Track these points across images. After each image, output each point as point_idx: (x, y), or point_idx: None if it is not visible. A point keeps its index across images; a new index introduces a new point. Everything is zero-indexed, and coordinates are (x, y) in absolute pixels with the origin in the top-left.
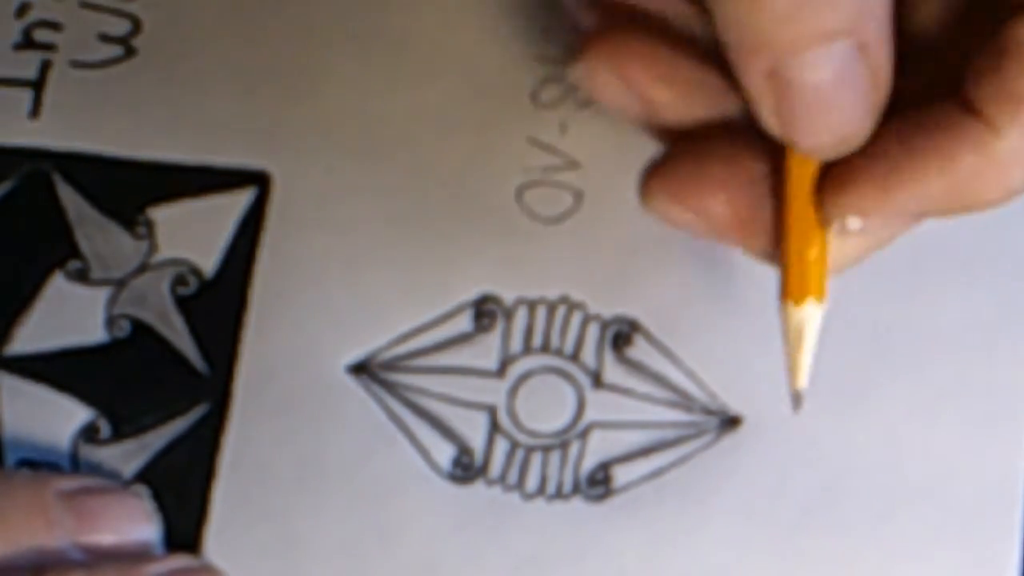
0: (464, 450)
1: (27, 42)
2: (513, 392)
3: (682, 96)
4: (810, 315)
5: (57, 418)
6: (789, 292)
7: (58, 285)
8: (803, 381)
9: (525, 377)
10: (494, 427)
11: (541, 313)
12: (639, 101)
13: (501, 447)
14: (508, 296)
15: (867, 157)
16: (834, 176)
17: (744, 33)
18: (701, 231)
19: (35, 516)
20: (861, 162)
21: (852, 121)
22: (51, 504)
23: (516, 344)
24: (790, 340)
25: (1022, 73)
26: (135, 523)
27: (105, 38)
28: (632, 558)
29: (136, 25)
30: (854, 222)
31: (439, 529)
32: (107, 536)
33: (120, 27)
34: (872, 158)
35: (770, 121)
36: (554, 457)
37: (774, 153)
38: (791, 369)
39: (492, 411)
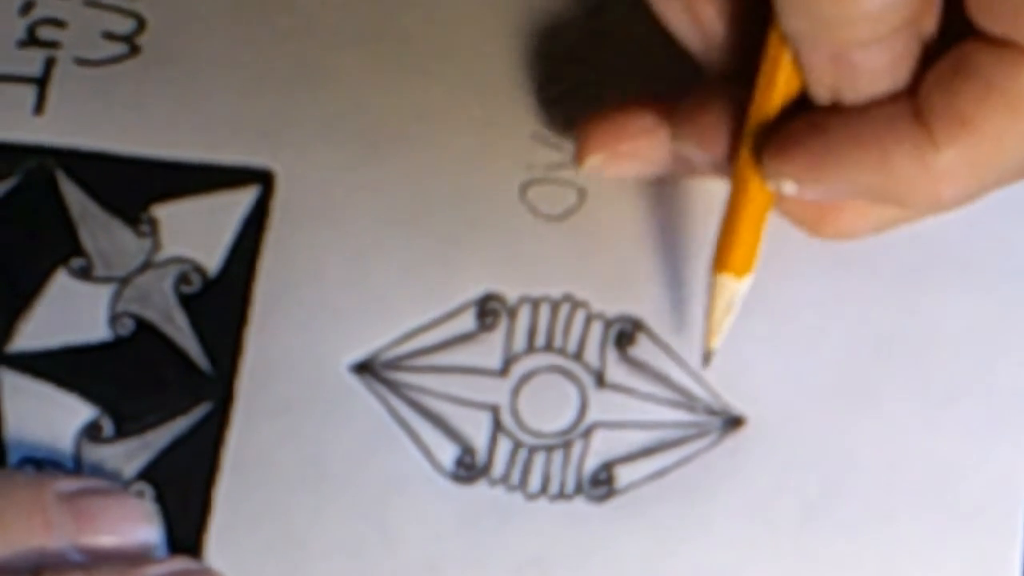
0: (467, 450)
1: (31, 39)
2: (516, 391)
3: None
4: (742, 288)
5: (60, 416)
6: (727, 265)
7: (61, 282)
8: (718, 343)
9: (528, 376)
10: (497, 427)
11: (544, 312)
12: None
13: (504, 447)
14: (511, 295)
15: (814, 130)
16: (781, 138)
17: (815, 26)
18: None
19: (34, 517)
20: (807, 133)
21: (898, 81)
22: (51, 505)
23: (519, 343)
24: (717, 307)
25: (972, 96)
26: (135, 525)
27: (109, 36)
28: (635, 558)
29: (140, 23)
30: (789, 187)
31: (441, 529)
32: (107, 537)
33: (124, 25)
34: (817, 133)
35: (821, 93)
36: (557, 457)
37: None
38: (711, 331)
39: (495, 410)
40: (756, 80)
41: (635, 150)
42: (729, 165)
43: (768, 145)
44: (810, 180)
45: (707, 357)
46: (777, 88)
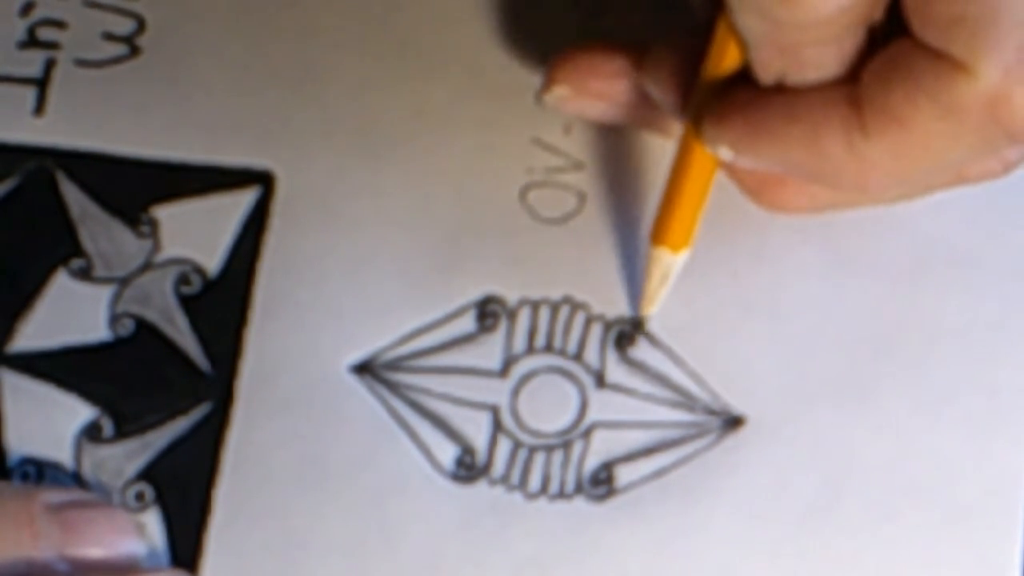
0: (467, 450)
1: (31, 40)
2: (516, 392)
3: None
4: (679, 262)
5: (60, 416)
6: (664, 239)
7: (61, 283)
8: (653, 310)
9: (528, 377)
10: (497, 427)
11: (544, 313)
12: (613, 105)
13: (504, 447)
14: (511, 296)
15: (754, 101)
16: (723, 105)
17: (766, 27)
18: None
19: (22, 528)
20: (747, 103)
21: (842, 70)
22: (38, 517)
23: (519, 344)
24: (652, 279)
25: (904, 95)
26: (122, 537)
27: (109, 37)
28: (634, 558)
29: (140, 24)
30: (725, 152)
31: (441, 529)
32: (94, 549)
33: (124, 26)
34: (756, 104)
35: (765, 77)
36: (557, 457)
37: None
38: (645, 300)
39: (495, 411)
40: (707, 51)
41: (601, 90)
42: (683, 112)
43: (710, 110)
44: (745, 148)
45: (640, 324)
46: (725, 62)
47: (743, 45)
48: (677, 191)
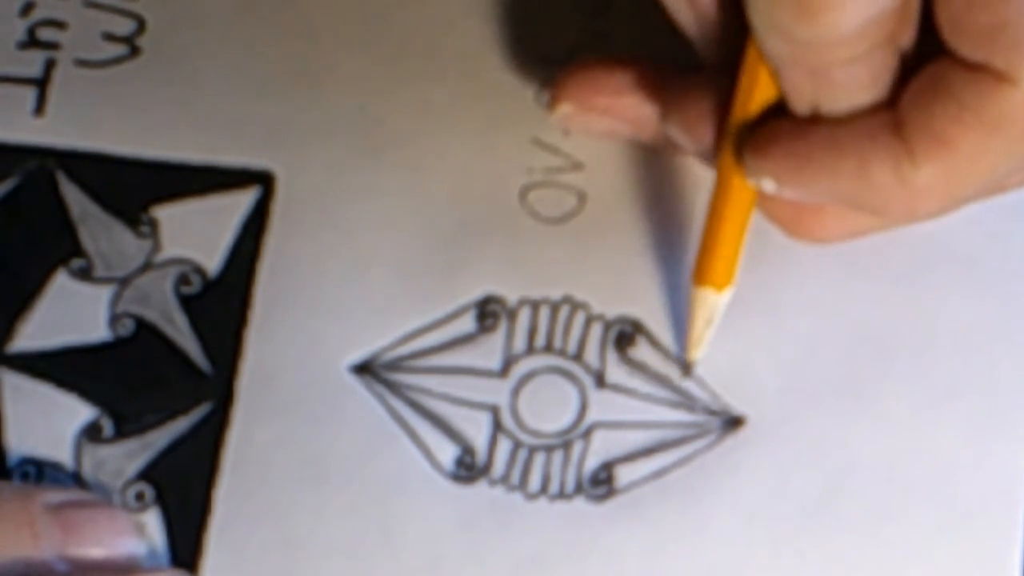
0: (467, 450)
1: (31, 41)
2: (516, 392)
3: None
4: (723, 301)
5: (60, 416)
6: (709, 279)
7: (61, 283)
8: (700, 354)
9: (528, 377)
10: (497, 427)
11: (544, 313)
12: (621, 123)
13: (504, 447)
14: (511, 296)
15: (796, 132)
16: (764, 135)
17: (792, 48)
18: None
19: (22, 528)
20: (789, 134)
21: (877, 94)
22: (38, 516)
23: (519, 344)
24: (698, 320)
25: (947, 116)
26: (121, 536)
27: (109, 37)
28: (634, 558)
29: (140, 24)
30: (768, 184)
31: (441, 529)
32: (94, 549)
33: (125, 26)
34: (799, 135)
35: (800, 106)
36: (557, 457)
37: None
38: (691, 344)
39: (495, 411)
40: (738, 81)
41: (608, 107)
42: (714, 155)
43: (750, 141)
44: (789, 180)
45: (688, 368)
46: (758, 91)
47: (773, 72)
48: (717, 229)
